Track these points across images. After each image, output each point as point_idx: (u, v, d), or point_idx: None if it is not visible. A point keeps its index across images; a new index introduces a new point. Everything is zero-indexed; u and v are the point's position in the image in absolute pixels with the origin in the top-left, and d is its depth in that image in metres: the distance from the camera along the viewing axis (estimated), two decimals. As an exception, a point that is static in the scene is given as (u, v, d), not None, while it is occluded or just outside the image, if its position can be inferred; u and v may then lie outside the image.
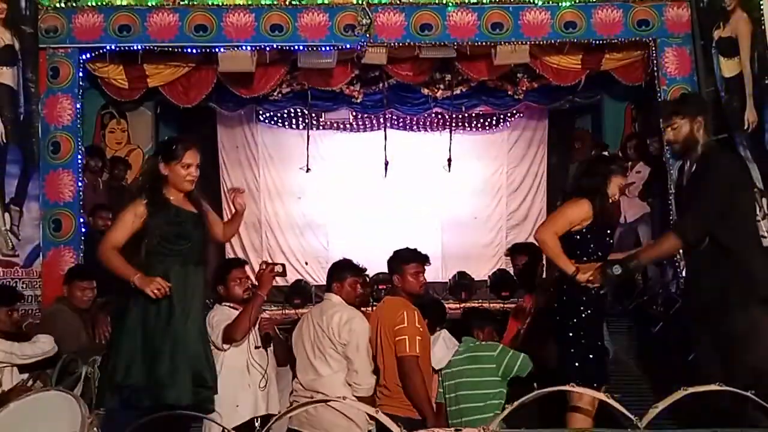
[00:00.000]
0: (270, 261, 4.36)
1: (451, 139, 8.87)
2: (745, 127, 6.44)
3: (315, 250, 9.24)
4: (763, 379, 3.27)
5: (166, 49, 6.77)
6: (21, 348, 4.40)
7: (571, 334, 3.77)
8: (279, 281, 8.95)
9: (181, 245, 3.63)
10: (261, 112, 8.97)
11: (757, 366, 3.46)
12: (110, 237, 3.59)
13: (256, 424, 3.96)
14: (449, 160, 8.37)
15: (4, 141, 6.30)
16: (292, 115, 9.06)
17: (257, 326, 4.14)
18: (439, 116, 9.05)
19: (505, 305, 7.28)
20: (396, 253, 4.37)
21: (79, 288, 5.32)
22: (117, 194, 7.41)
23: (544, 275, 5.22)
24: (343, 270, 4.35)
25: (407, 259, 4.31)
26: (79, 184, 6.56)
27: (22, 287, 6.18)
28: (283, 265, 4.26)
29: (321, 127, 9.26)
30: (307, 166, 8.87)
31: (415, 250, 4.34)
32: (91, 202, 6.93)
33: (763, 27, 6.41)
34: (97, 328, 5.41)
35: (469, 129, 9.37)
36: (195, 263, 3.68)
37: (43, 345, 4.50)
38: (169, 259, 3.59)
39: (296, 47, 6.80)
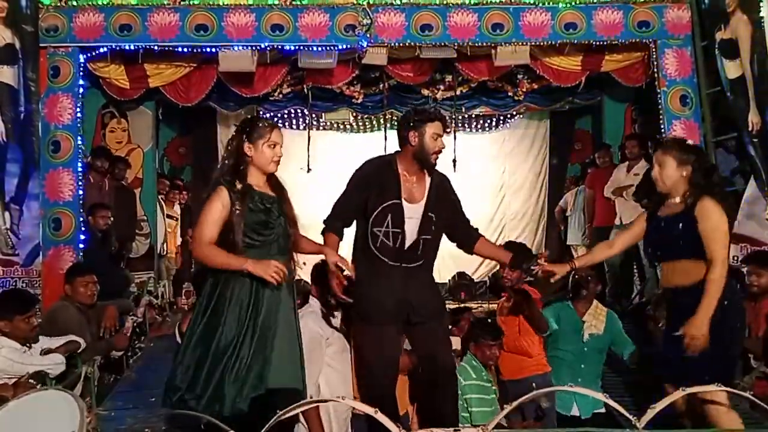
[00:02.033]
0: None
1: (455, 139, 8.81)
2: (750, 129, 6.45)
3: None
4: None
5: (167, 48, 6.77)
6: (32, 359, 4.36)
7: None
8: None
9: (266, 235, 3.36)
10: (261, 112, 8.96)
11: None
12: (201, 234, 3.31)
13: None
14: (454, 161, 8.32)
15: (5, 140, 6.30)
16: (293, 115, 9.07)
17: None
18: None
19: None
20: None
21: (81, 284, 5.33)
22: (117, 194, 7.44)
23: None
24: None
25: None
26: (79, 183, 6.56)
27: (22, 286, 6.19)
28: None
29: (321, 128, 9.27)
30: (308, 166, 8.87)
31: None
32: (95, 202, 6.95)
33: (763, 29, 6.41)
34: (104, 322, 5.42)
35: (469, 130, 9.38)
36: (281, 254, 3.39)
37: (50, 360, 4.45)
38: (253, 251, 3.30)
39: (297, 47, 6.81)
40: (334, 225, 3.80)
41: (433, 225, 3.76)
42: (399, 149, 3.83)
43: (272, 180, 3.51)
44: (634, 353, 4.89)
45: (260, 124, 3.44)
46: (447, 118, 4.00)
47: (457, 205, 3.93)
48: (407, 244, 3.71)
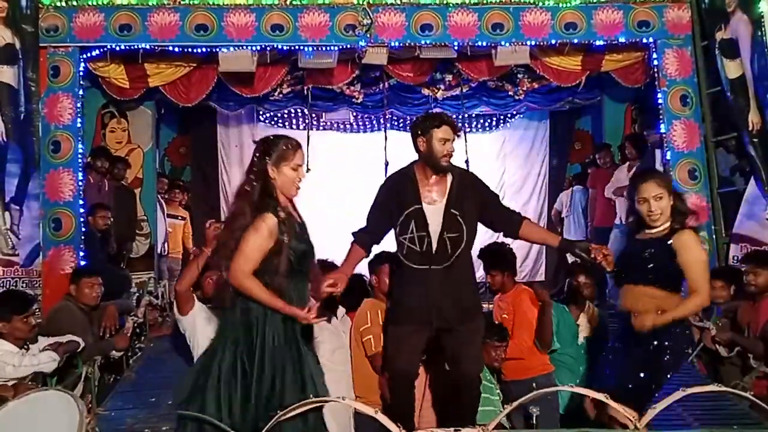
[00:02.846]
0: (218, 221, 4.12)
1: (466, 141, 8.73)
2: (750, 129, 6.45)
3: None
4: None
5: (167, 48, 6.77)
6: (28, 360, 4.35)
7: None
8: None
9: (304, 265, 3.26)
10: (261, 112, 8.96)
11: None
12: (243, 261, 3.13)
13: None
14: (467, 162, 8.26)
15: (5, 140, 6.30)
16: (293, 115, 9.06)
17: None
18: (440, 116, 9.03)
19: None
20: (376, 255, 4.37)
21: (87, 285, 5.35)
22: (117, 194, 7.44)
23: None
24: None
25: (384, 260, 4.35)
26: (80, 183, 6.56)
27: (23, 286, 6.19)
28: None
29: (321, 128, 9.26)
30: (307, 166, 8.82)
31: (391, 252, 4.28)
32: (95, 202, 6.95)
33: (762, 29, 6.41)
34: (104, 321, 5.43)
35: (469, 129, 9.36)
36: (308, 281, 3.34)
37: (43, 358, 4.44)
38: (294, 281, 3.21)
39: (297, 47, 6.81)
40: (362, 239, 3.86)
41: (459, 222, 3.77)
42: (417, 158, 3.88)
43: (293, 204, 3.37)
44: None
45: (283, 146, 3.26)
46: (456, 121, 4.00)
47: (485, 196, 3.92)
48: (434, 246, 3.74)
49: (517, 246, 5.11)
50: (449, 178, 3.83)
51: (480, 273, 4.53)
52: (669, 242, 3.55)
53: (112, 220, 6.76)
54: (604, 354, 3.90)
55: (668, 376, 3.57)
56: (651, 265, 3.57)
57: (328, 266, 4.17)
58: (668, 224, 3.60)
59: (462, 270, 3.84)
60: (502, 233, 4.02)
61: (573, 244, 3.98)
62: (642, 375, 3.53)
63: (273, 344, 3.15)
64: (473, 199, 3.85)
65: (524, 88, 8.01)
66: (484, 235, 4.32)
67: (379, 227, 3.87)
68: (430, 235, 3.73)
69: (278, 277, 3.15)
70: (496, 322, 4.80)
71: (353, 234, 3.87)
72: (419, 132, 3.79)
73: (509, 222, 3.94)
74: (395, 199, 3.81)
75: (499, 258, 4.82)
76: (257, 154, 3.28)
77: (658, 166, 7.01)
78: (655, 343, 3.53)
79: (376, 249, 4.13)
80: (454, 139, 3.83)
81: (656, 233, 3.63)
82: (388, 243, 4.04)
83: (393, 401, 3.90)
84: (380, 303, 4.28)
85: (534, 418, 3.80)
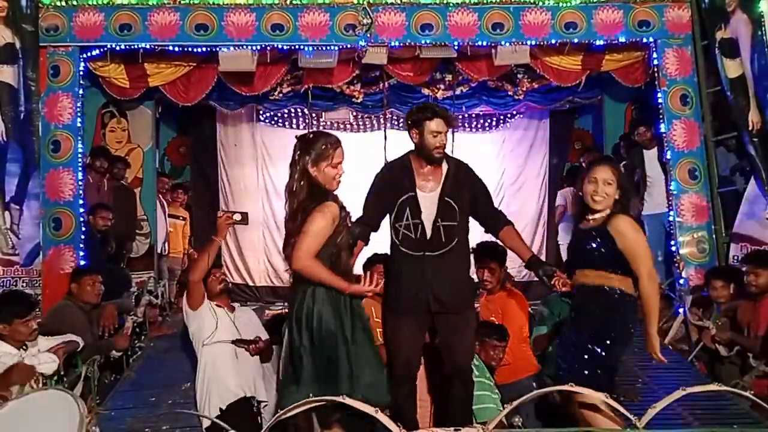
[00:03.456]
0: (229, 210, 4.32)
1: (453, 140, 8.72)
2: (750, 128, 6.45)
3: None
4: None
5: (167, 48, 6.77)
6: (30, 360, 4.34)
7: None
8: (277, 281, 8.99)
9: (350, 254, 3.48)
10: (261, 111, 8.95)
11: None
12: (308, 246, 3.28)
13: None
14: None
15: (5, 139, 6.31)
16: (293, 114, 9.05)
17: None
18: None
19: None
20: (368, 258, 4.47)
21: (88, 283, 5.39)
22: (117, 193, 7.44)
23: None
24: None
25: (376, 260, 4.39)
26: (80, 182, 6.56)
27: (23, 286, 6.20)
28: (245, 214, 4.27)
29: (321, 127, 9.23)
30: (308, 165, 8.83)
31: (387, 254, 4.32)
32: (95, 202, 6.94)
33: (762, 28, 6.41)
34: (103, 321, 5.43)
35: (469, 129, 9.36)
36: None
37: (43, 359, 4.43)
38: (344, 273, 3.40)
39: (297, 47, 6.81)
40: (359, 226, 3.86)
41: (454, 210, 3.84)
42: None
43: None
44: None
45: (323, 145, 3.39)
46: (450, 112, 4.05)
47: (477, 188, 3.98)
48: (429, 233, 3.80)
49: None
50: (445, 167, 3.90)
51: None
52: (609, 230, 3.58)
53: (112, 220, 6.75)
54: (560, 345, 3.86)
55: (624, 347, 3.64)
56: (595, 252, 3.61)
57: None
58: (607, 212, 3.63)
59: (457, 258, 3.90)
60: (484, 229, 4.08)
61: (541, 265, 3.96)
62: (599, 352, 3.53)
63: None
64: (467, 189, 3.92)
65: (524, 88, 8.00)
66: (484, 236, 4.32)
67: (375, 215, 3.92)
68: (423, 222, 3.79)
69: (341, 260, 3.34)
70: (496, 322, 4.82)
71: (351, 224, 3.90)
72: (412, 123, 3.88)
73: (494, 221, 4.02)
74: (392, 186, 3.86)
75: (493, 252, 4.84)
76: (297, 152, 3.42)
77: (648, 166, 7.02)
78: (605, 317, 3.56)
79: (368, 252, 4.24)
80: (446, 132, 3.88)
81: (594, 222, 3.66)
82: (383, 246, 4.08)
83: (395, 400, 3.90)
84: (375, 302, 4.28)
85: (521, 425, 3.83)
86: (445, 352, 3.90)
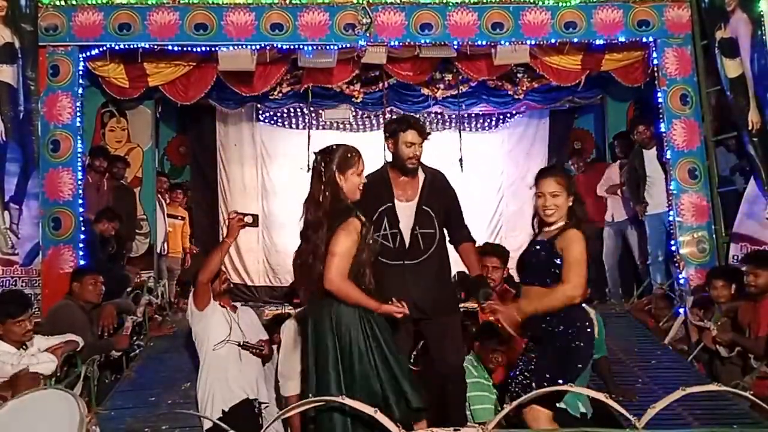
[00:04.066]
0: (241, 212, 4.33)
1: (461, 138, 8.72)
2: (750, 128, 6.45)
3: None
4: None
5: (167, 47, 6.76)
6: (30, 360, 4.32)
7: None
8: (276, 281, 9.00)
9: (372, 270, 3.46)
10: (261, 111, 8.95)
11: None
12: (340, 267, 3.30)
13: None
14: (461, 160, 8.23)
15: (4, 139, 6.30)
16: (292, 114, 9.04)
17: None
18: (439, 116, 9.04)
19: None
20: None
21: (90, 282, 5.40)
22: (116, 193, 7.43)
23: None
24: None
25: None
26: (79, 182, 6.55)
27: (22, 286, 6.19)
28: (255, 216, 4.32)
29: (321, 127, 9.24)
30: (308, 165, 8.82)
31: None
32: (94, 202, 6.95)
33: (762, 28, 6.41)
34: (102, 321, 5.43)
35: (469, 129, 9.35)
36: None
37: (42, 358, 4.41)
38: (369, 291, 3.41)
39: (296, 46, 6.80)
40: None
41: (431, 218, 3.94)
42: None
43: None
44: (599, 360, 4.54)
45: (347, 154, 3.47)
46: (425, 124, 4.22)
47: (449, 198, 4.09)
48: (407, 242, 3.89)
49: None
50: (421, 176, 3.99)
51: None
52: (557, 243, 3.50)
53: (116, 228, 6.76)
54: (523, 358, 3.74)
55: (580, 366, 3.51)
56: (541, 266, 3.53)
57: None
58: (562, 224, 3.56)
59: (436, 266, 3.98)
60: (448, 239, 4.14)
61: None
62: (557, 369, 3.44)
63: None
64: (442, 197, 4.03)
65: (524, 88, 8.00)
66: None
67: None
68: (401, 231, 3.88)
69: (366, 277, 3.37)
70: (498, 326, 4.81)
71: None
72: (388, 134, 3.99)
73: (458, 234, 4.13)
74: (371, 198, 3.86)
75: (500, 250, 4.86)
76: (323, 164, 3.44)
77: (648, 165, 7.02)
78: (562, 336, 3.47)
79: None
80: (421, 143, 3.96)
81: (548, 234, 3.59)
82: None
83: None
84: None
85: None
86: (436, 355, 3.97)
